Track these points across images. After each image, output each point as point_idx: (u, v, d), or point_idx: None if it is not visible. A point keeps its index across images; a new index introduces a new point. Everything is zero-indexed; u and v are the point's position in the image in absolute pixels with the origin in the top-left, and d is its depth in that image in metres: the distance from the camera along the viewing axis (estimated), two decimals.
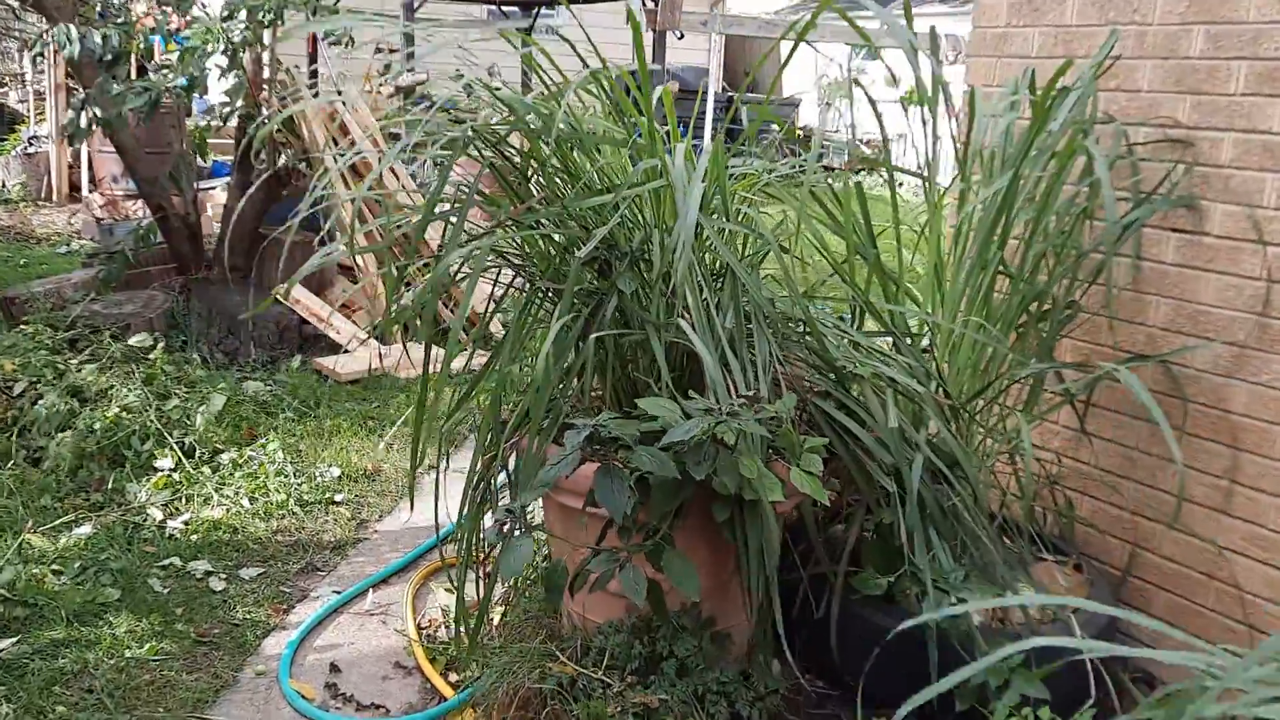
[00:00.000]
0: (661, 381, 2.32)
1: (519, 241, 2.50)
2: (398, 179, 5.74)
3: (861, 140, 11.69)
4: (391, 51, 11.54)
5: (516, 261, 2.59)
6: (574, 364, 2.38)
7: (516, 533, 2.13)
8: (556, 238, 2.46)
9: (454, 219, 2.51)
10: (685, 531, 2.23)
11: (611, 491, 2.00)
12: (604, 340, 2.39)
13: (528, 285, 2.59)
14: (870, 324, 2.69)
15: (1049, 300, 2.56)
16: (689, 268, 2.28)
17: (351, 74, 10.31)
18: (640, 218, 2.46)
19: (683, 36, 9.76)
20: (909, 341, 2.45)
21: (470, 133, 2.33)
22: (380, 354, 5.11)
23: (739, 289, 2.30)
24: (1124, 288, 2.66)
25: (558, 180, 2.43)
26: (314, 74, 7.32)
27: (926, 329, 2.63)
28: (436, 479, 2.72)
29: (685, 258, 2.22)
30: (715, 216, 2.35)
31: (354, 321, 5.43)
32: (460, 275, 2.69)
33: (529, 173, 2.50)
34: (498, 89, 2.42)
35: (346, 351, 5.13)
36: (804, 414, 2.35)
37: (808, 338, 2.40)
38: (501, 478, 2.69)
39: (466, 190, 2.43)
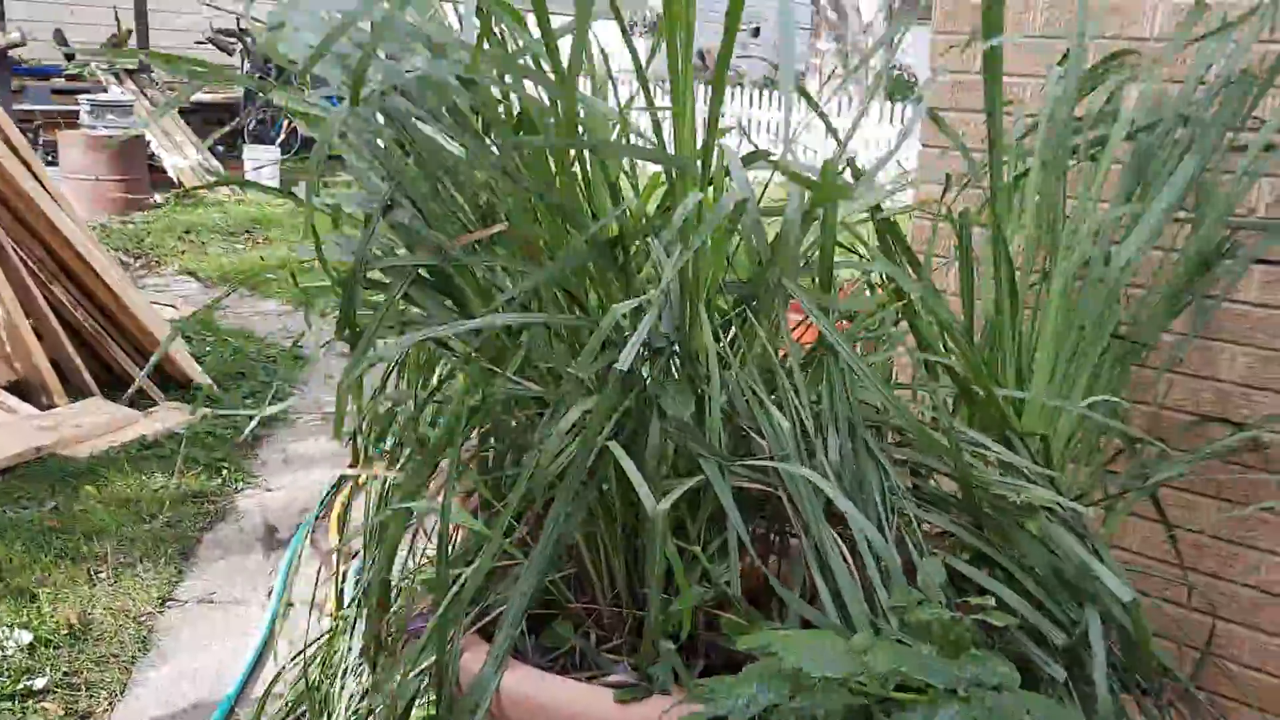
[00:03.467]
0: (726, 549, 1.43)
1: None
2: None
3: None
4: None
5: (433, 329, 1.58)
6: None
7: None
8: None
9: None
10: None
11: None
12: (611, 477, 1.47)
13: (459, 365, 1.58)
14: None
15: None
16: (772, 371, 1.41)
17: None
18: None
19: None
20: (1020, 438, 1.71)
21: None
22: (42, 425, 3.71)
23: (843, 395, 1.46)
24: (1197, 335, 2.08)
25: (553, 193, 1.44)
26: None
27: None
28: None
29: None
30: (815, 284, 1.47)
31: None
32: None
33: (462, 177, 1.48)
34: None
35: None
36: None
37: (907, 450, 1.59)
38: None
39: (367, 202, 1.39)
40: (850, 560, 1.43)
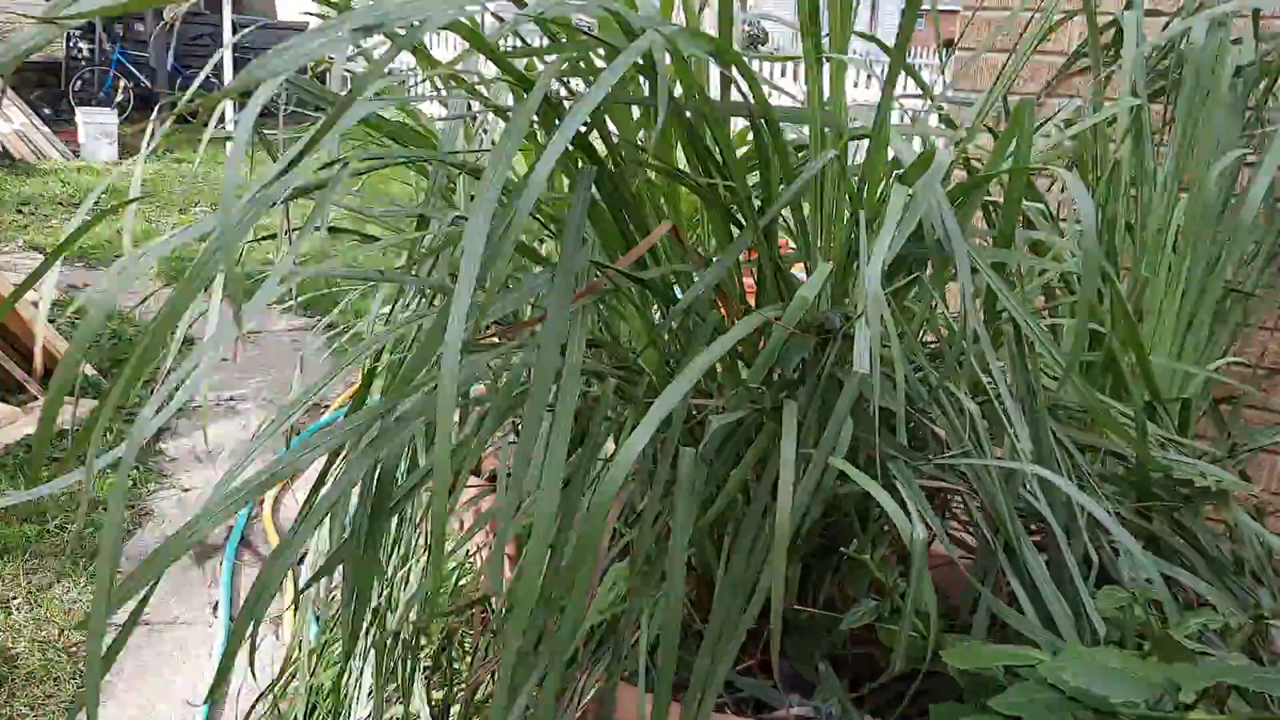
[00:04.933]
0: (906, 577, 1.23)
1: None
2: None
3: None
4: None
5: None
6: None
7: None
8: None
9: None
10: None
11: None
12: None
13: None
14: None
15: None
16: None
17: None
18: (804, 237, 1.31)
19: None
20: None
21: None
22: None
23: (1024, 373, 1.27)
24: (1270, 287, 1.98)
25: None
26: None
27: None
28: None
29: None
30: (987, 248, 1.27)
31: None
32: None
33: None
34: None
35: None
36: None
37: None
38: None
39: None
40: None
